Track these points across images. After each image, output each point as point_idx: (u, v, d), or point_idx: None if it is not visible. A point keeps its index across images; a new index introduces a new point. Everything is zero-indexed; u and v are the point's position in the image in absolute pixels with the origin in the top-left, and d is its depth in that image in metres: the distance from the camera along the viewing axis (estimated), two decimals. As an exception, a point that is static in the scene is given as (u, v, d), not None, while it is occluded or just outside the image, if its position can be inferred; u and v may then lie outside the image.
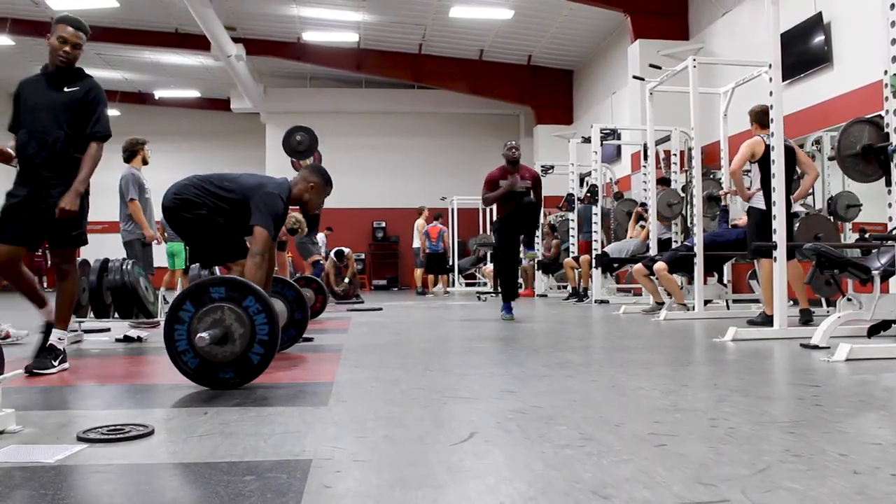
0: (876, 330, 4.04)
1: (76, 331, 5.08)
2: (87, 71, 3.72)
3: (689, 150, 8.21)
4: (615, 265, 9.57)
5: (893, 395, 2.83)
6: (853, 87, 7.80)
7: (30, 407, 2.59)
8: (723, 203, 7.69)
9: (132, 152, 6.24)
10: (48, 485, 1.70)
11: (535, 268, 12.45)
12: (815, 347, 4.01)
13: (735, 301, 7.61)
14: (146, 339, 5.16)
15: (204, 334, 2.88)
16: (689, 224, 8.39)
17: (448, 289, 15.04)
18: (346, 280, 12.18)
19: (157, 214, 5.05)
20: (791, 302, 5.71)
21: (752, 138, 5.60)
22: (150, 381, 3.68)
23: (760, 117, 5.58)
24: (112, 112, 20.92)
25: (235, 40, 14.40)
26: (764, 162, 5.37)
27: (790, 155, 5.46)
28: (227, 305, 2.96)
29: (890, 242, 4.14)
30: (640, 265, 7.55)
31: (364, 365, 3.83)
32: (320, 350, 4.58)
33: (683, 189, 8.86)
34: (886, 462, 1.78)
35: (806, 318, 5.44)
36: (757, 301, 6.94)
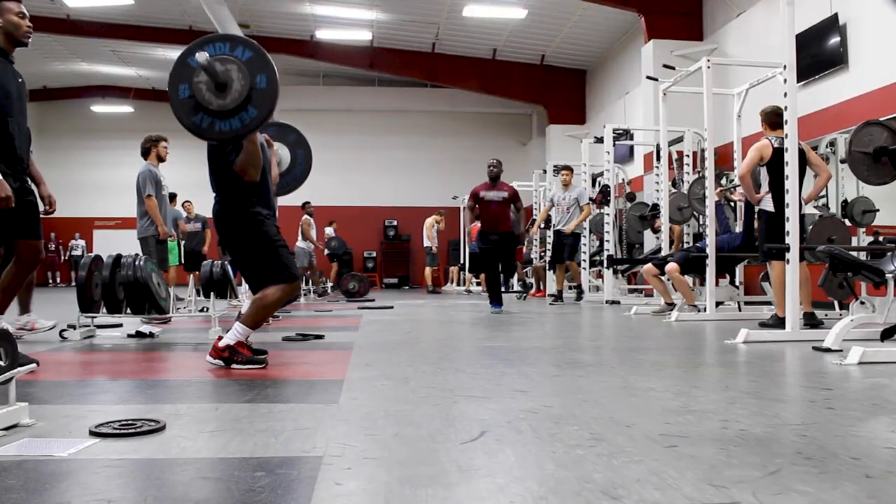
0: (889, 333, 4.00)
1: (88, 326, 5.12)
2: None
3: (703, 151, 8.17)
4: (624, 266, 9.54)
5: (907, 399, 2.81)
6: (869, 89, 7.74)
7: (43, 401, 2.61)
8: (723, 201, 7.62)
9: (146, 149, 6.26)
10: (61, 478, 1.72)
11: (546, 268, 12.42)
12: (828, 350, 3.98)
13: (747, 303, 7.56)
14: (158, 334, 5.19)
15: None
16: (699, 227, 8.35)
17: (470, 287, 15.06)
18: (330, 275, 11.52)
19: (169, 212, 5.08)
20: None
21: (760, 141, 5.54)
22: (162, 377, 3.70)
23: (771, 118, 5.51)
24: (126, 108, 20.89)
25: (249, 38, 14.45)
26: (772, 165, 5.32)
27: (801, 157, 5.42)
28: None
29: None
30: (650, 265, 7.52)
31: (374, 363, 3.84)
32: (331, 348, 4.59)
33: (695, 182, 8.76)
34: (899, 466, 1.76)
35: (812, 323, 5.35)
36: (769, 303, 6.90)
